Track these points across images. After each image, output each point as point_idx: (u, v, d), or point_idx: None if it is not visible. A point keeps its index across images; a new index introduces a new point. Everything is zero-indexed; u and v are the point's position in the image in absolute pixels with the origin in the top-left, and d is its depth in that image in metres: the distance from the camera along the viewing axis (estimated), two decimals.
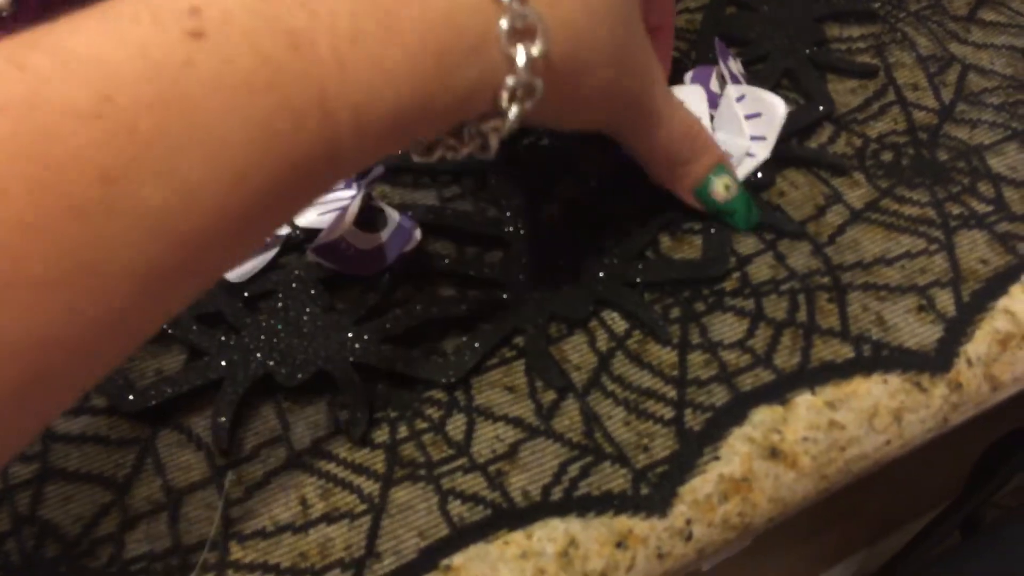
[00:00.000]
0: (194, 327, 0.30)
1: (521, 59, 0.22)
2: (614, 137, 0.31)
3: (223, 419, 0.28)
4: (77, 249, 0.16)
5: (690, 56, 0.39)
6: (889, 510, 0.91)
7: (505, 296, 0.31)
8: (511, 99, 0.23)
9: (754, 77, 0.38)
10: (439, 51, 0.21)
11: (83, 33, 0.17)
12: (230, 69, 0.18)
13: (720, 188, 0.32)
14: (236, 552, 0.26)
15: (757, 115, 0.34)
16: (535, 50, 0.22)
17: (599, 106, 0.27)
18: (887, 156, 0.36)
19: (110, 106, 0.16)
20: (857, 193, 0.35)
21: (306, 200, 0.21)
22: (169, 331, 0.30)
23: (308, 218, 0.33)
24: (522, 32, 0.22)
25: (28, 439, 0.19)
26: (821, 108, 0.37)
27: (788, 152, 0.35)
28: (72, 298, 0.16)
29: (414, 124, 0.22)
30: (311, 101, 0.19)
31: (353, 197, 0.32)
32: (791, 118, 0.37)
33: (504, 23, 0.22)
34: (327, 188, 0.22)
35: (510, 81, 0.22)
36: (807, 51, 0.39)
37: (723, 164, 0.32)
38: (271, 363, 0.29)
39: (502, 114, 0.23)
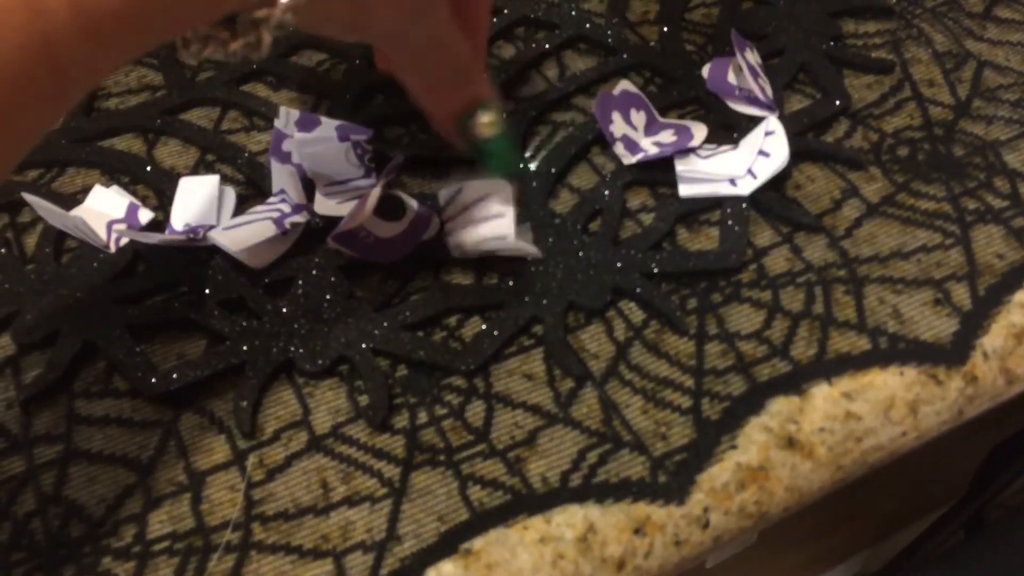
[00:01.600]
0: (215, 312, 0.30)
1: None
2: (385, 50, 0.28)
3: (245, 403, 0.28)
4: None
5: (707, 50, 0.39)
6: (893, 509, 0.91)
7: (523, 286, 0.32)
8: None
9: (770, 72, 0.38)
10: None
11: None
12: None
13: (484, 120, 0.30)
14: (259, 533, 0.26)
15: (766, 155, 0.34)
16: None
17: (377, 7, 0.25)
18: (903, 151, 0.36)
19: None
20: (873, 187, 0.35)
21: (31, 122, 0.18)
22: (191, 316, 0.30)
23: (328, 206, 0.33)
24: None
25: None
26: (837, 103, 0.37)
27: (805, 146, 0.36)
28: None
29: (155, 15, 0.18)
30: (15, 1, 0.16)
31: (373, 185, 0.32)
32: (807, 113, 0.37)
33: None
34: (56, 104, 0.18)
35: None
36: (823, 46, 0.39)
37: (491, 100, 0.30)
38: (292, 349, 0.29)
39: (271, 2, 0.20)
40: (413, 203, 0.33)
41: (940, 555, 0.63)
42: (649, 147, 0.35)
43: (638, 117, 0.36)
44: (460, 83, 0.29)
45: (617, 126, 0.35)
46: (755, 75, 0.36)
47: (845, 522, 0.86)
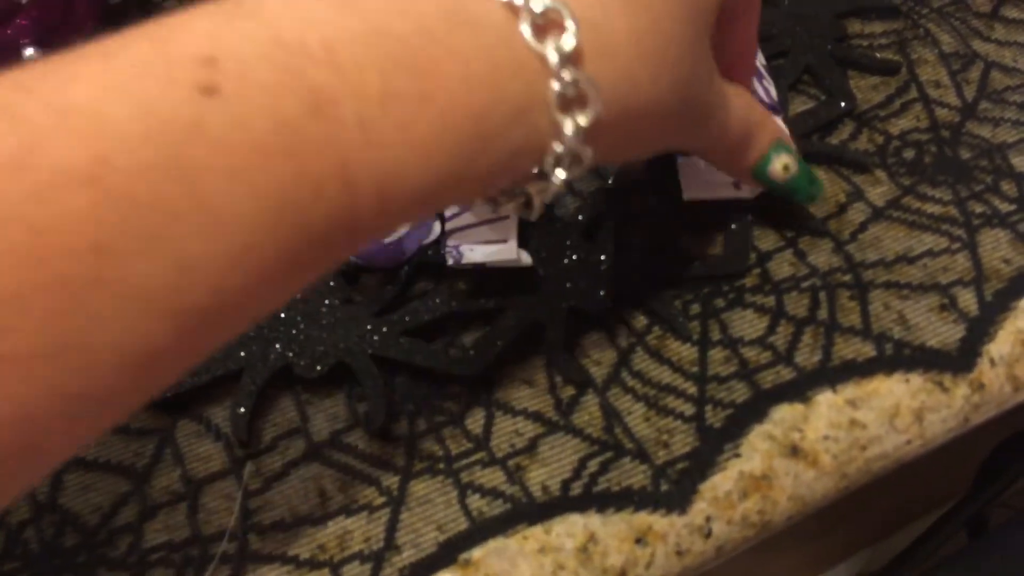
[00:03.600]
0: None
1: (569, 129, 0.20)
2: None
3: (242, 410, 0.28)
4: (63, 323, 0.15)
5: None
6: (894, 508, 0.91)
7: (524, 291, 0.31)
8: (557, 164, 0.21)
9: (775, 73, 0.37)
10: (478, 115, 0.19)
11: (84, 81, 0.15)
12: (243, 133, 0.16)
13: (779, 168, 0.29)
14: (255, 543, 0.26)
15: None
16: (583, 120, 0.20)
17: (654, 145, 0.25)
18: (909, 153, 0.36)
19: (107, 169, 0.15)
20: (879, 190, 0.34)
21: (319, 272, 0.19)
22: None
23: None
24: (572, 100, 0.20)
25: (3, 504, 0.17)
26: (843, 104, 0.37)
27: (809, 148, 0.35)
28: (56, 375, 0.15)
29: (445, 192, 0.19)
30: (331, 171, 0.17)
31: None
32: (812, 114, 0.36)
33: (554, 89, 0.19)
34: (343, 259, 0.20)
35: (557, 149, 0.20)
36: (828, 47, 0.38)
37: (781, 142, 0.29)
38: (290, 354, 0.29)
39: (547, 178, 0.21)
40: None
41: (943, 560, 0.63)
42: None
43: None
44: (751, 141, 0.29)
45: None
46: (759, 77, 0.36)
47: (846, 521, 0.86)
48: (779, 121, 0.32)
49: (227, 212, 0.16)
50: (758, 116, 0.29)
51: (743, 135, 0.28)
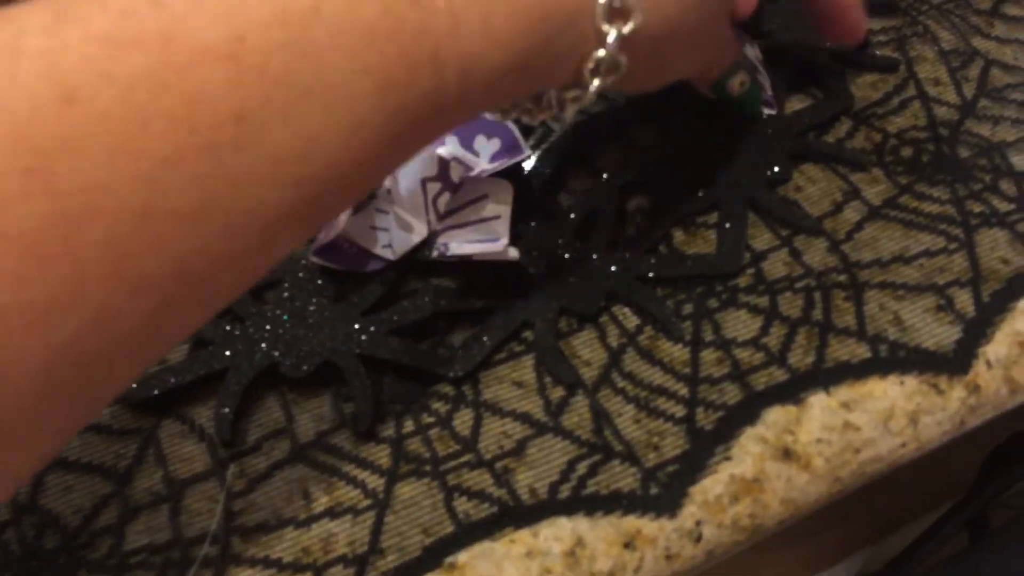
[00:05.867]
0: None
1: (611, 37, 0.23)
2: None
3: (226, 410, 0.28)
4: (209, 186, 0.16)
5: None
6: (894, 508, 0.90)
7: (514, 290, 0.31)
8: (595, 72, 0.23)
9: (772, 69, 0.37)
10: (541, 16, 0.21)
11: None
12: (354, 18, 0.18)
13: (736, 83, 0.32)
14: (238, 546, 0.25)
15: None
16: (626, 29, 0.23)
17: (671, 73, 0.28)
18: (907, 152, 0.35)
19: (242, 47, 0.16)
20: (876, 189, 0.34)
21: (410, 153, 0.22)
22: None
23: None
24: (617, 11, 0.23)
25: (145, 367, 0.19)
26: (840, 102, 0.36)
27: (806, 147, 0.35)
28: (202, 234, 0.17)
29: (511, 85, 0.22)
30: (426, 54, 0.19)
31: None
32: (810, 112, 0.36)
33: (600, 1, 0.22)
34: (429, 142, 0.22)
35: (598, 54, 0.23)
36: (827, 43, 0.38)
37: (739, 62, 0.32)
38: (276, 354, 0.29)
39: (583, 85, 0.24)
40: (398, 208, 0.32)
41: (944, 562, 0.63)
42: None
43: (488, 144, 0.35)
44: (722, 59, 0.31)
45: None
46: (755, 71, 0.35)
47: (845, 520, 0.85)
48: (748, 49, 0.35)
49: (344, 89, 0.18)
50: (732, 38, 0.32)
51: (720, 56, 0.32)
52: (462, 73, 0.20)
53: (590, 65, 0.23)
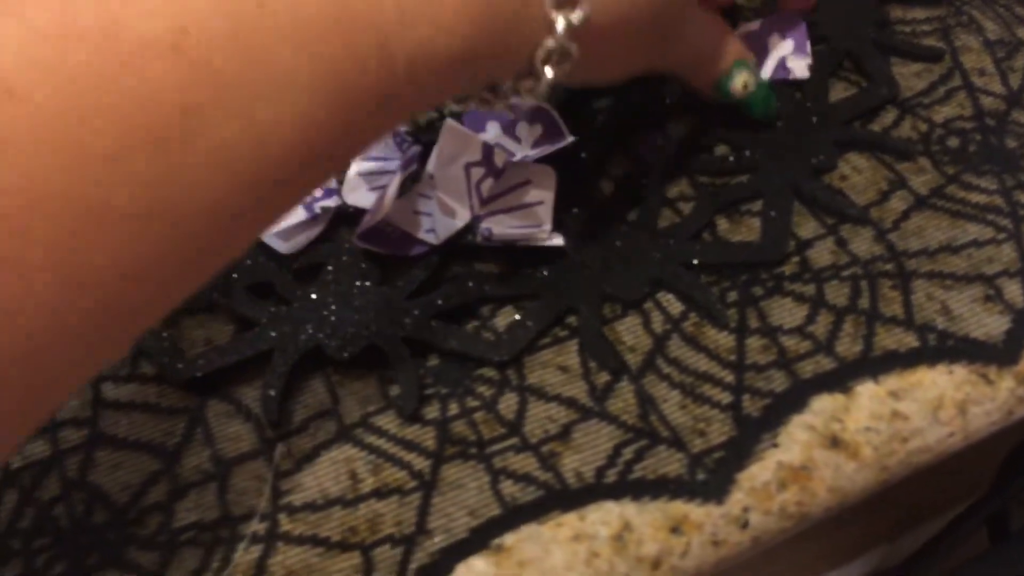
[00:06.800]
0: (244, 297, 0.30)
1: (560, 25, 0.23)
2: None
3: (272, 391, 0.28)
4: (157, 183, 0.16)
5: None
6: (914, 504, 0.89)
7: (558, 275, 0.31)
8: (546, 61, 0.23)
9: (816, 58, 0.36)
10: (490, 4, 0.21)
11: None
12: (299, 9, 0.17)
13: (739, 85, 0.32)
14: (285, 524, 0.25)
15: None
16: (575, 18, 0.23)
17: (631, 63, 0.28)
18: (953, 142, 0.35)
19: (186, 40, 0.16)
20: (922, 179, 0.34)
21: (362, 146, 0.21)
22: (219, 301, 0.30)
23: (357, 196, 0.33)
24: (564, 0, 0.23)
25: (96, 370, 0.18)
26: (885, 91, 0.36)
27: (851, 135, 0.34)
28: (152, 232, 0.16)
29: (462, 75, 0.22)
30: (373, 45, 0.19)
31: (392, 178, 0.32)
32: (854, 101, 0.36)
33: None
34: (382, 134, 0.22)
35: (548, 44, 0.23)
36: (870, 33, 0.38)
37: (743, 61, 0.32)
38: (321, 336, 0.29)
39: (536, 75, 0.24)
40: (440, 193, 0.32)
41: (963, 563, 0.62)
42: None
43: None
44: (716, 57, 0.31)
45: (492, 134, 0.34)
46: (801, 52, 0.35)
47: (863, 515, 0.84)
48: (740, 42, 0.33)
49: (291, 82, 0.17)
50: (724, 38, 0.31)
51: (710, 54, 0.31)
52: (411, 63, 0.20)
53: (540, 54, 0.23)
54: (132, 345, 0.24)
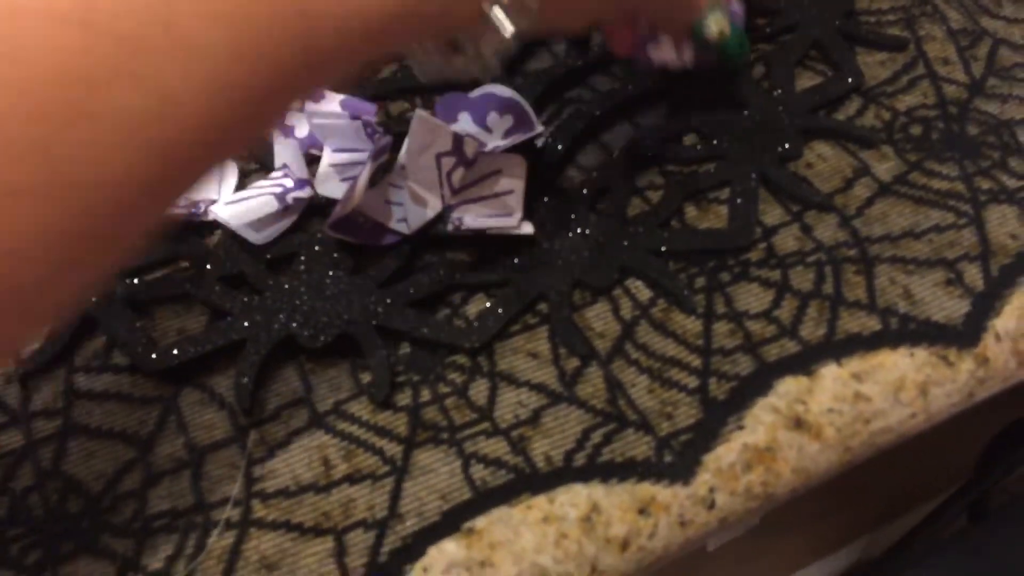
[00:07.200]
0: (216, 288, 0.30)
1: None
2: (618, 16, 0.30)
3: (245, 379, 0.28)
4: (55, 157, 0.16)
5: None
6: (895, 495, 0.91)
7: (528, 263, 0.31)
8: (506, 14, 0.22)
9: (782, 48, 0.37)
10: None
11: None
12: None
13: (715, 30, 0.31)
14: (259, 510, 0.26)
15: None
16: None
17: (593, 8, 0.27)
18: (916, 130, 0.35)
19: (92, 12, 0.16)
20: (885, 166, 0.34)
21: (284, 108, 0.20)
22: (192, 291, 0.30)
23: (329, 186, 0.33)
24: None
25: (14, 353, 0.18)
26: (850, 80, 0.36)
27: (816, 124, 0.35)
28: (48, 211, 0.16)
29: (399, 31, 0.21)
30: (293, 8, 0.18)
31: (362, 168, 0.32)
32: (819, 90, 0.36)
33: None
34: (307, 94, 0.21)
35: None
36: (836, 22, 0.38)
37: (719, 4, 0.31)
38: (294, 325, 0.29)
39: (494, 29, 0.22)
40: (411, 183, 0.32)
41: (943, 542, 0.63)
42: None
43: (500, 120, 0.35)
44: (691, 2, 0.30)
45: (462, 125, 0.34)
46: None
47: (847, 506, 0.86)
48: None
49: (200, 47, 0.17)
50: None
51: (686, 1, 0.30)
52: (336, 23, 0.19)
53: (496, 7, 0.22)
54: (56, 323, 0.23)
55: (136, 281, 0.30)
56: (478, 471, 0.27)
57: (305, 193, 0.32)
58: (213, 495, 0.26)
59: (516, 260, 0.31)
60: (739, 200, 0.33)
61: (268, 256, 0.31)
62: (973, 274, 0.31)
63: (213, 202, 0.32)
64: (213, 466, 0.27)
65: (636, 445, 0.28)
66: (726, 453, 0.28)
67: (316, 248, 0.31)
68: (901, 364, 0.30)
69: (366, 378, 0.29)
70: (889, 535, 0.90)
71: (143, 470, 0.26)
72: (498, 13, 0.22)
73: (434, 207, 0.32)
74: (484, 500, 0.26)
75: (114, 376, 0.28)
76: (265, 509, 0.26)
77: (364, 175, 0.31)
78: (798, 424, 0.28)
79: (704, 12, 0.31)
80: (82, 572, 0.24)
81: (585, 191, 0.33)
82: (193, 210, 0.31)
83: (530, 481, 0.27)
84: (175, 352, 0.28)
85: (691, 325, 0.30)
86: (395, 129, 0.34)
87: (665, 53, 0.33)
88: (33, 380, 0.28)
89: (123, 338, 0.29)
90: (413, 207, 0.32)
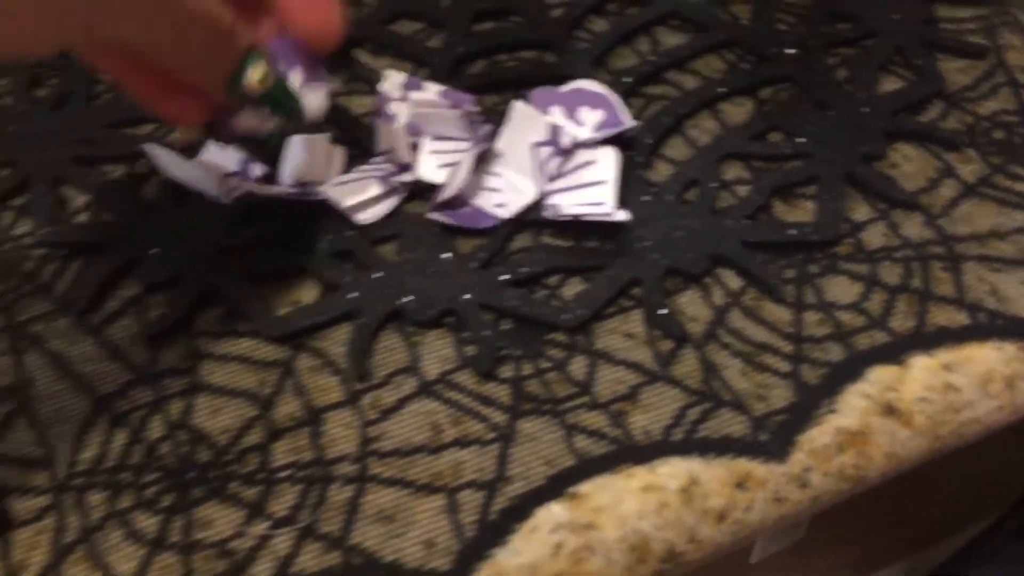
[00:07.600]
0: (329, 262, 0.31)
1: None
2: (124, 44, 0.24)
3: (358, 347, 0.29)
4: None
5: (798, 29, 0.40)
6: (941, 516, 0.90)
7: (623, 249, 0.32)
8: None
9: (864, 52, 0.38)
10: None
11: None
12: None
13: (254, 79, 0.26)
14: (375, 467, 0.27)
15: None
16: None
17: (59, 15, 0.22)
18: (998, 134, 0.36)
19: None
20: (969, 168, 0.35)
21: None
22: (306, 265, 0.31)
23: (430, 170, 0.34)
24: None
25: None
26: (932, 85, 0.37)
27: (900, 125, 0.36)
28: None
29: None
30: None
31: (465, 155, 0.33)
32: (902, 94, 0.37)
33: None
34: None
35: None
36: (918, 30, 0.39)
37: (256, 52, 0.26)
38: (403, 299, 0.30)
39: None
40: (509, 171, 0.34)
41: (990, 554, 0.63)
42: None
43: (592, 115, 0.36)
44: (222, 45, 0.25)
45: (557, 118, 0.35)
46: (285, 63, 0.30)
47: (891, 523, 0.85)
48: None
49: None
50: (231, 23, 0.25)
51: (212, 41, 0.25)
52: None
53: None
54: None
55: (253, 254, 0.32)
56: (580, 440, 0.28)
57: (408, 177, 0.34)
58: (332, 452, 0.27)
59: (609, 246, 0.32)
60: (826, 196, 0.34)
61: (374, 236, 0.32)
62: None
63: (322, 183, 0.33)
64: (330, 426, 0.28)
65: (732, 423, 0.29)
66: (819, 435, 0.28)
67: (419, 229, 0.33)
68: (989, 357, 0.30)
69: (470, 351, 0.30)
70: (933, 558, 0.89)
71: (265, 426, 0.28)
72: None
73: (531, 193, 0.33)
74: (587, 467, 0.27)
75: (235, 341, 0.30)
76: (381, 466, 0.27)
77: (467, 161, 0.33)
78: (890, 411, 0.29)
79: (243, 62, 0.26)
80: (213, 515, 0.26)
81: (675, 184, 0.34)
82: (304, 190, 0.33)
83: (631, 452, 0.28)
84: (291, 320, 0.30)
85: (781, 314, 0.31)
86: (495, 119, 0.35)
87: (247, 120, 0.29)
88: (159, 342, 0.30)
89: (242, 307, 0.30)
90: (511, 193, 0.34)
